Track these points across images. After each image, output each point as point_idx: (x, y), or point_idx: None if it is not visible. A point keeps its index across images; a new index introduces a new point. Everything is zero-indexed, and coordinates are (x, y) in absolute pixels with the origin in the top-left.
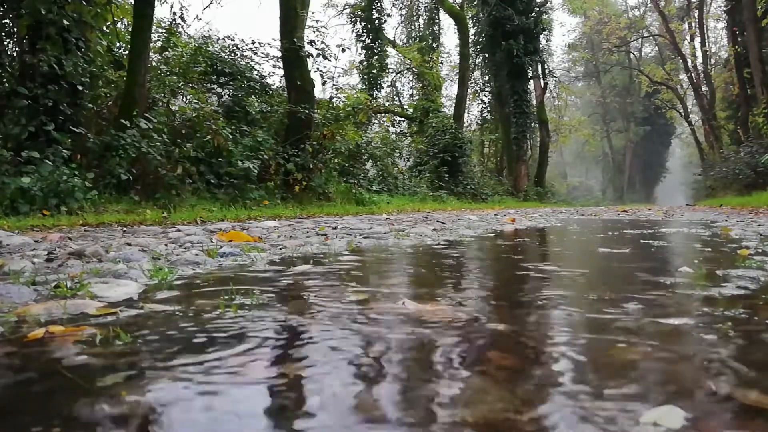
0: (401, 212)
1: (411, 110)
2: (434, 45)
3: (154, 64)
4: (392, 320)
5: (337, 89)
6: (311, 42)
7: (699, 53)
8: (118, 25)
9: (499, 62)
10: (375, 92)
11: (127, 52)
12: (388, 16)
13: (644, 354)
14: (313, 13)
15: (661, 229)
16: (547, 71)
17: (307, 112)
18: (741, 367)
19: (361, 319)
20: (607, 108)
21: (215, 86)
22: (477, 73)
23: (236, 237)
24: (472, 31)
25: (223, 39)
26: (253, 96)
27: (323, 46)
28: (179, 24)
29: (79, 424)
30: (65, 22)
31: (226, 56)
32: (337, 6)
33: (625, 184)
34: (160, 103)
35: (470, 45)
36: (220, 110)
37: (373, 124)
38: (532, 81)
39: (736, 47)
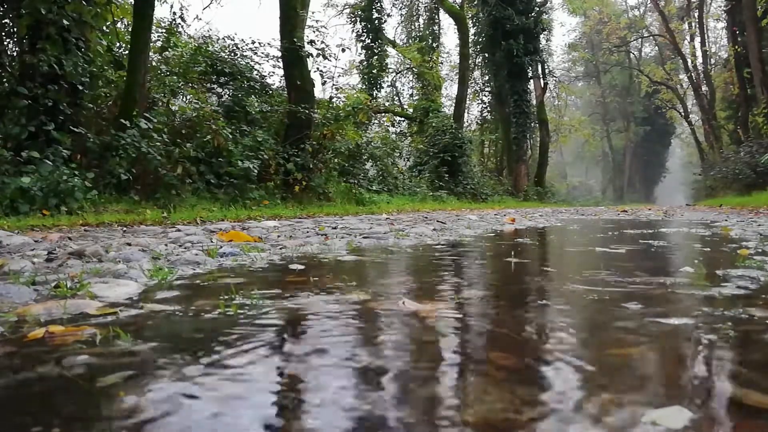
0: (401, 212)
1: (411, 110)
2: (434, 45)
3: (154, 64)
4: (392, 320)
5: (337, 89)
6: (311, 42)
7: (699, 53)
8: (118, 25)
9: (499, 62)
10: (375, 92)
11: (127, 52)
12: (388, 16)
13: (644, 354)
14: (313, 13)
15: (661, 229)
16: (547, 71)
17: (307, 112)
18: (741, 367)
19: (361, 319)
20: (607, 108)
21: (215, 86)
22: (477, 73)
23: (236, 237)
24: (472, 31)
25: (223, 39)
26: (253, 96)
27: (323, 46)
28: (179, 24)
29: (79, 424)
30: (65, 22)
31: (226, 56)
32: (337, 6)
33: (625, 184)
34: (160, 103)
35: (470, 45)
36: (220, 110)
37: (373, 124)
38: (532, 81)
39: (736, 47)
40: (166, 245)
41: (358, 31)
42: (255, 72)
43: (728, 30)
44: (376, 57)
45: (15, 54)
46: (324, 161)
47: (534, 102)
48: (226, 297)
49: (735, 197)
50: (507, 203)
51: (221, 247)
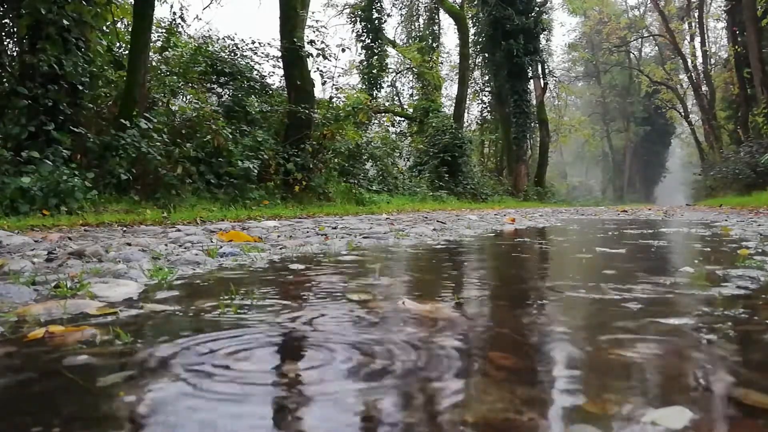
0: (401, 212)
1: (411, 110)
2: (434, 45)
3: (154, 64)
4: (392, 320)
5: (337, 89)
6: (311, 42)
7: (699, 53)
8: (118, 25)
9: (499, 62)
10: (375, 92)
11: (127, 52)
12: (388, 16)
13: (644, 354)
14: (313, 13)
15: (661, 228)
16: (547, 71)
17: (307, 112)
18: (741, 367)
19: (361, 319)
20: (607, 108)
21: (215, 86)
22: (477, 73)
23: (236, 237)
24: (472, 31)
25: (223, 39)
26: (253, 96)
27: (323, 46)
28: (179, 24)
29: (79, 424)
30: (65, 22)
31: (226, 56)
32: (337, 6)
33: (625, 183)
34: (160, 103)
35: (470, 45)
36: (220, 110)
37: (373, 124)
38: (532, 81)
39: (736, 47)
40: (166, 245)
41: (358, 31)
42: (255, 72)
43: (728, 30)
44: (376, 57)
45: (15, 54)
46: (324, 161)
47: (534, 102)
48: (226, 297)
49: (735, 197)
50: (507, 203)
51: (221, 247)
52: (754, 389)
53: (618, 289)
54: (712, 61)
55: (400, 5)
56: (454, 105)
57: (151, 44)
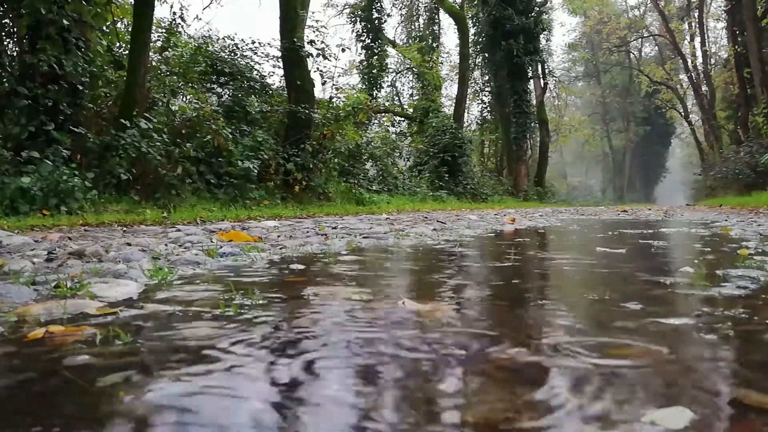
0: (401, 212)
1: (411, 110)
2: (434, 45)
3: (154, 64)
4: (392, 320)
5: (337, 89)
6: (311, 42)
7: (699, 53)
8: (118, 25)
9: (499, 62)
10: (375, 92)
11: (127, 52)
12: (388, 16)
13: (644, 354)
14: (313, 13)
15: (661, 229)
16: (547, 71)
17: (307, 112)
18: (741, 367)
19: (361, 320)
20: (607, 108)
21: (215, 86)
22: (477, 73)
23: (236, 237)
24: (472, 31)
25: (223, 39)
26: (253, 96)
27: (323, 46)
28: (179, 24)
29: (79, 424)
30: (65, 22)
31: (226, 56)
32: (337, 6)
33: (625, 184)
34: (160, 103)
35: (470, 45)
36: (220, 110)
37: (373, 124)
38: (532, 81)
39: (736, 47)
40: (166, 245)
41: (358, 31)
42: (255, 72)
43: (728, 30)
44: (376, 57)
45: (15, 54)
46: (324, 161)
47: (534, 102)
48: (226, 297)
49: (735, 197)
50: (507, 203)
51: (221, 247)
52: (754, 389)
53: (618, 289)
54: (712, 61)
55: (400, 5)
56: (454, 105)
57: (151, 44)
